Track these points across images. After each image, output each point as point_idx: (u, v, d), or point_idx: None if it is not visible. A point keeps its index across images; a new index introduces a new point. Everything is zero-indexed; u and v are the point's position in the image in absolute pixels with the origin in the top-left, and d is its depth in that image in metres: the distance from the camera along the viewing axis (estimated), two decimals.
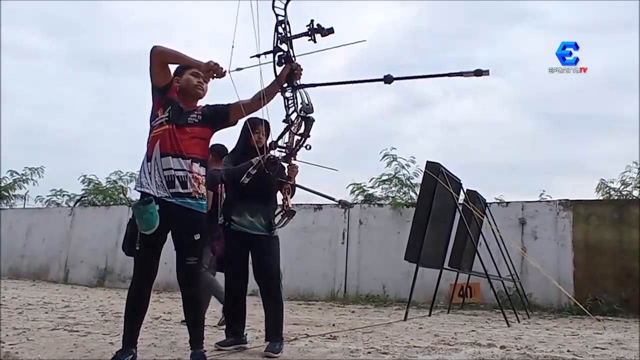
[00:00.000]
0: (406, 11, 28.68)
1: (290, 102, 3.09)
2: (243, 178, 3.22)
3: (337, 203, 4.15)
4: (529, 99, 24.52)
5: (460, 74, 2.89)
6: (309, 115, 3.13)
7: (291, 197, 3.80)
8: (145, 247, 2.99)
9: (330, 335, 4.75)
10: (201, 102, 3.27)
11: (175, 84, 3.11)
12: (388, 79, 2.97)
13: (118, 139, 27.38)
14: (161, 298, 8.86)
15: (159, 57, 3.02)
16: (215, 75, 3.02)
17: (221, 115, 3.18)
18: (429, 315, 7.57)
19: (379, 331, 5.35)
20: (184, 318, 3.17)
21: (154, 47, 2.99)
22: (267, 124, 3.87)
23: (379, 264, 10.29)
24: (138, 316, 3.08)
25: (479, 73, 2.84)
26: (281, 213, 3.76)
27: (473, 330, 5.68)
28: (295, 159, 3.61)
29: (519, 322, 6.91)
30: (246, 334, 3.92)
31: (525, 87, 24.75)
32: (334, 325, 5.83)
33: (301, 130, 3.21)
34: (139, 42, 31.59)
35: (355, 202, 11.51)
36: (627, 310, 8.32)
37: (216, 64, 2.98)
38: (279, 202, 3.90)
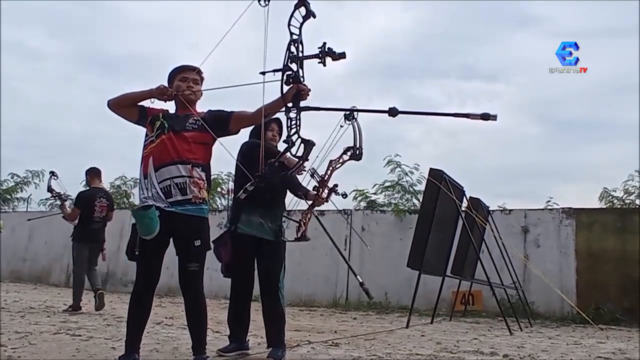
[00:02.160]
0: (410, 15, 28.80)
1: (293, 122, 3.09)
2: (240, 193, 3.22)
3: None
4: (533, 104, 24.56)
5: (467, 115, 2.88)
6: (309, 139, 3.15)
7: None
8: (146, 253, 3.00)
9: (333, 342, 4.75)
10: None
11: (163, 97, 3.15)
12: (393, 112, 2.98)
13: (122, 141, 27.45)
14: (163, 303, 8.86)
15: (115, 108, 3.20)
16: (165, 97, 3.14)
17: (221, 122, 3.17)
18: (431, 322, 7.55)
19: (381, 338, 5.34)
20: (186, 323, 3.17)
21: (107, 102, 3.19)
22: (279, 122, 3.89)
23: (381, 270, 10.26)
24: (140, 321, 3.08)
25: (485, 117, 2.83)
26: (296, 236, 3.76)
27: (475, 339, 5.66)
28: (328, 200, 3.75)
29: (521, 330, 6.89)
30: (248, 340, 3.91)
31: (529, 92, 24.78)
32: (336, 331, 5.82)
33: (299, 153, 3.22)
34: (144, 44, 31.81)
35: (357, 208, 11.49)
36: (630, 320, 8.28)
37: (165, 87, 3.13)
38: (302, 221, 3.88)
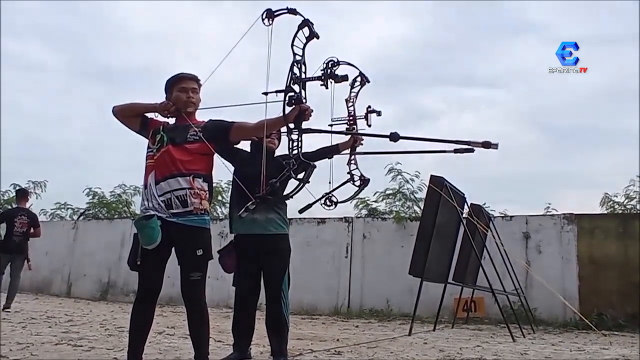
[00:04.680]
0: (409, 24, 28.90)
1: (294, 144, 3.10)
2: (241, 212, 3.22)
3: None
4: (533, 111, 24.59)
5: (468, 143, 2.89)
6: (311, 162, 3.17)
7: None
8: (147, 262, 3.00)
9: (335, 350, 4.73)
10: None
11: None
12: (394, 137, 2.99)
13: (122, 151, 27.49)
14: (164, 312, 8.84)
15: (119, 115, 3.24)
16: (168, 113, 3.16)
17: (222, 132, 3.18)
18: (434, 330, 7.52)
19: (384, 346, 5.33)
20: (188, 333, 3.16)
21: (112, 108, 3.23)
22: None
23: (382, 278, 10.25)
24: (142, 331, 3.07)
25: (487, 145, 2.83)
26: (356, 183, 3.79)
27: (478, 346, 5.64)
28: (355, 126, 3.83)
29: (524, 337, 6.86)
30: (250, 349, 3.90)
31: (528, 99, 24.82)
32: (338, 340, 5.80)
33: (300, 176, 3.23)
34: (141, 55, 31.90)
35: (359, 216, 11.49)
36: (633, 325, 8.25)
37: (168, 104, 3.15)
38: (352, 171, 3.91)
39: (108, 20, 28.87)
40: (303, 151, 3.20)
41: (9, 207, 15.37)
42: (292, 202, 3.79)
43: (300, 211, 3.82)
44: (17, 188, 9.17)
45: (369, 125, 3.88)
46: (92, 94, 29.67)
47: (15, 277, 8.12)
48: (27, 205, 8.82)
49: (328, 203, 3.79)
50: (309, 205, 3.78)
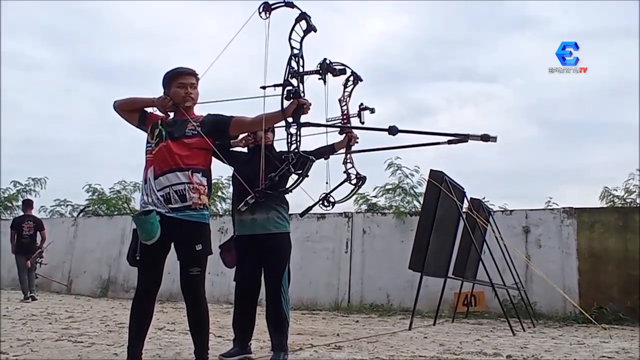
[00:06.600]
0: (407, 20, 28.83)
1: (292, 138, 3.09)
2: (241, 205, 3.22)
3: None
4: (532, 106, 24.56)
5: (467, 136, 2.89)
6: (310, 156, 3.16)
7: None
8: (146, 258, 3.00)
9: (335, 345, 4.74)
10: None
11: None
12: (393, 130, 2.99)
13: (121, 148, 27.48)
14: (165, 308, 8.85)
15: (119, 110, 3.26)
16: (165, 108, 3.17)
17: (221, 126, 3.18)
18: (434, 324, 7.53)
19: (384, 341, 5.33)
20: (188, 328, 3.16)
21: (113, 103, 3.25)
22: None
23: (382, 273, 10.26)
24: (142, 327, 3.08)
25: (485, 138, 2.84)
26: (352, 182, 3.83)
27: (478, 340, 5.65)
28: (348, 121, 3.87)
29: (524, 331, 6.87)
30: (250, 344, 3.90)
31: (528, 94, 24.79)
32: (338, 335, 5.81)
33: (299, 170, 3.22)
34: (140, 53, 31.85)
35: (358, 211, 11.49)
36: (633, 319, 8.26)
37: (165, 99, 3.15)
38: (348, 170, 3.94)
39: (108, 19, 28.83)
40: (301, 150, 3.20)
41: (9, 204, 15.55)
42: (293, 201, 3.83)
43: (301, 215, 3.86)
44: (23, 199, 11.31)
45: (362, 123, 3.89)
46: (92, 92, 29.68)
47: (30, 274, 9.94)
48: (32, 212, 10.46)
49: (326, 203, 3.84)
50: (309, 208, 3.84)
